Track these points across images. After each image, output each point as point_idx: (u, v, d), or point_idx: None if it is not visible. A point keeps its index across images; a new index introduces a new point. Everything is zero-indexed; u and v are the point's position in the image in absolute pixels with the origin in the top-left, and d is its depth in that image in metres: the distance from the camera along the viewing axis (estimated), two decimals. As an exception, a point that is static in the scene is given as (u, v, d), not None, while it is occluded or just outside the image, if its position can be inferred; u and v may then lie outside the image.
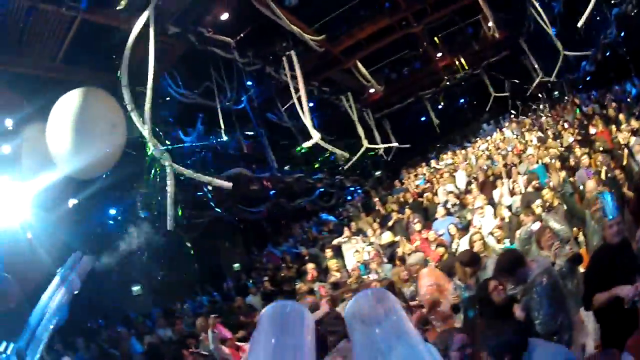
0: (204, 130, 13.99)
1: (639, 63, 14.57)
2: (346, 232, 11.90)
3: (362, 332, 1.25)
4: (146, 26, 8.07)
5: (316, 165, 16.97)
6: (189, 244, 11.16)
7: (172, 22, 9.32)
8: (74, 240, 7.96)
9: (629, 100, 13.95)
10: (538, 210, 7.24)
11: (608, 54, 14.43)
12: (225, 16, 11.45)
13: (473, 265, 5.85)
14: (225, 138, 14.28)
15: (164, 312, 11.10)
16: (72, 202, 8.18)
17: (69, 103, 7.30)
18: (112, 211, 10.59)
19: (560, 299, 4.52)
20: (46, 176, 6.55)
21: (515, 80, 17.57)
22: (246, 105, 14.52)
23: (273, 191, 15.06)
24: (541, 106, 18.71)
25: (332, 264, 9.68)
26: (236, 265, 15.46)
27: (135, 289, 11.86)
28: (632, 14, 11.30)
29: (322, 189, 16.63)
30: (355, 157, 14.67)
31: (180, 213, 11.67)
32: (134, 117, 7.91)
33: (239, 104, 14.05)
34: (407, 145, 18.14)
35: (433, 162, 18.04)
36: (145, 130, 7.94)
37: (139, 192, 10.21)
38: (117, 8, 7.53)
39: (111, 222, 10.53)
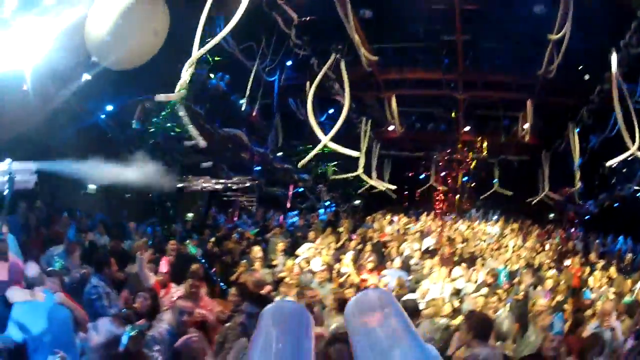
0: (227, 86, 13.92)
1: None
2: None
3: (363, 332, 1.24)
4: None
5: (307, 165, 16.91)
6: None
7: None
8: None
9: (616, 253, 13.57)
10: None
11: (617, 205, 14.25)
12: (303, -8, 11.51)
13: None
14: (242, 101, 14.30)
15: (111, 223, 11.14)
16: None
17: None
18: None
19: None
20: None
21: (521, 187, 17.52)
22: (276, 80, 14.57)
23: (258, 167, 15.09)
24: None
25: (256, 252, 9.85)
26: (190, 215, 15.28)
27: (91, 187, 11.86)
28: None
29: (301, 190, 16.58)
30: (345, 176, 14.67)
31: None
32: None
33: (271, 76, 14.10)
34: (394, 195, 17.79)
35: (412, 219, 18.18)
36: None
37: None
38: None
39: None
